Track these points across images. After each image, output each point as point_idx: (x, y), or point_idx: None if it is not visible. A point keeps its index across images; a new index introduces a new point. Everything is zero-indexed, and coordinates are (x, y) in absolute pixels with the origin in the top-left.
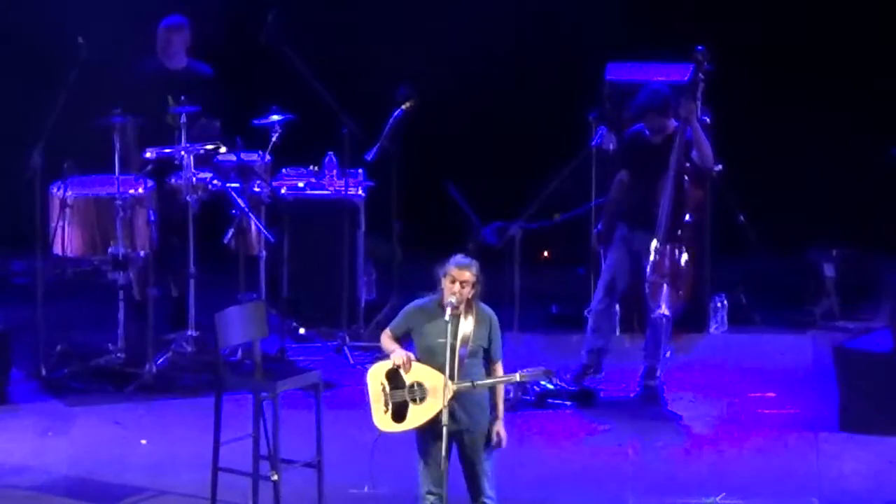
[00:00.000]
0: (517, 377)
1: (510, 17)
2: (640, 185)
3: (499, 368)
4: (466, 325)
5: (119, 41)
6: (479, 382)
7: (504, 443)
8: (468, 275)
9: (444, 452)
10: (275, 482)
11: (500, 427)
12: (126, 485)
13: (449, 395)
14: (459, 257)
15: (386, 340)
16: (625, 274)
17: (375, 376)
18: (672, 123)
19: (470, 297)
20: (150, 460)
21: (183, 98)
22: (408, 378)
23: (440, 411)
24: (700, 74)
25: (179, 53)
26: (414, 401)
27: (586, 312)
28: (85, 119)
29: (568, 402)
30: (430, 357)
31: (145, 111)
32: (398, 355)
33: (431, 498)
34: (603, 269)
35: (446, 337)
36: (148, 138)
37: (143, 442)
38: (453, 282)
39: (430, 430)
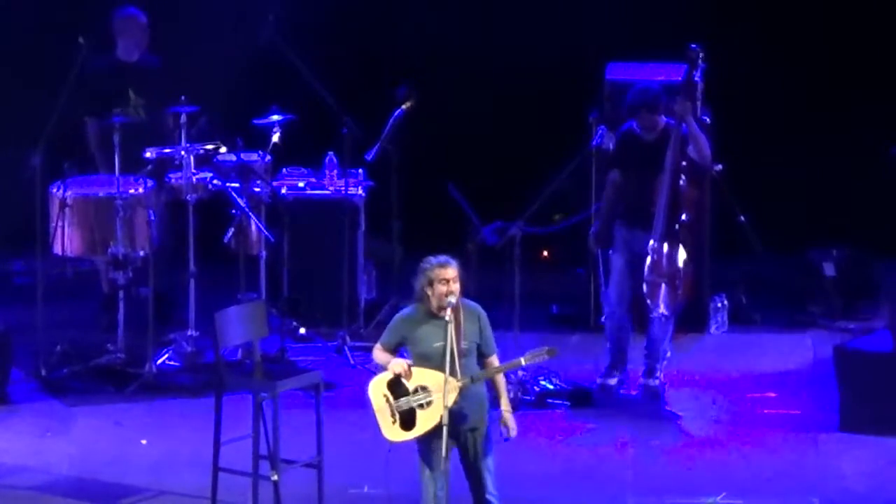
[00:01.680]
0: (522, 361)
1: (510, 17)
2: (633, 184)
3: (494, 362)
4: (457, 324)
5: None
6: (485, 372)
7: (514, 433)
8: (451, 270)
9: (444, 453)
10: (275, 482)
11: (508, 419)
12: (126, 485)
13: (453, 394)
14: (434, 258)
15: (379, 355)
16: (632, 274)
17: (377, 389)
18: (663, 120)
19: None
20: (150, 460)
21: (183, 98)
22: (410, 384)
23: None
24: (694, 72)
25: (135, 45)
26: (421, 406)
27: (602, 320)
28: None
29: (567, 402)
30: (426, 363)
31: (106, 109)
32: (396, 363)
33: (433, 500)
34: (611, 273)
35: (441, 340)
36: (110, 137)
37: (143, 442)
38: (444, 283)
39: (432, 433)
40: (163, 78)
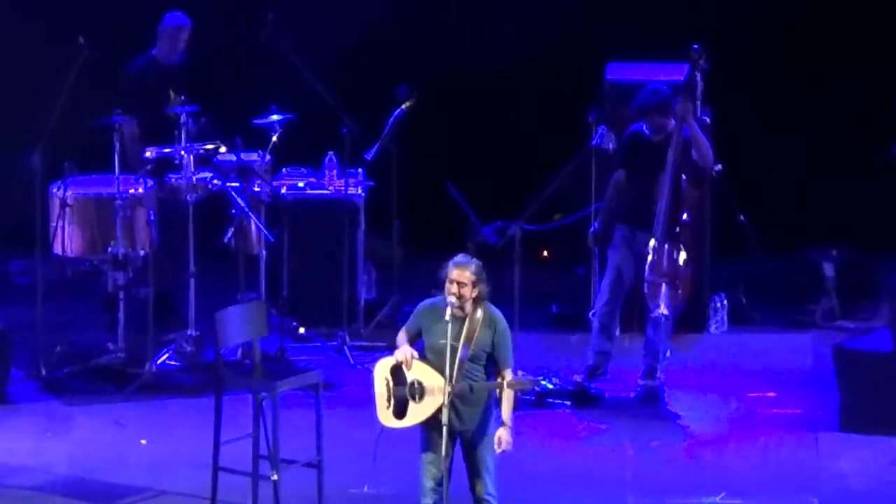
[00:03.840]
0: (504, 384)
1: (510, 17)
2: (638, 185)
3: (508, 375)
4: (469, 328)
5: (119, 41)
6: (475, 385)
7: (503, 447)
8: (467, 274)
9: (444, 452)
10: (275, 482)
11: (503, 433)
12: (126, 485)
13: (446, 396)
14: (459, 257)
15: (399, 337)
16: (629, 275)
17: (381, 371)
18: (672, 123)
19: (474, 297)
20: (150, 460)
21: (182, 98)
22: (409, 375)
23: (439, 410)
24: (696, 73)
25: (180, 50)
26: (413, 398)
27: (591, 315)
28: (85, 119)
29: (567, 402)
30: (435, 356)
31: (147, 109)
32: (401, 351)
33: (432, 494)
34: (606, 271)
35: (446, 338)
36: (152, 135)
37: (143, 442)
38: (452, 283)
39: (433, 427)
40: (194, 74)
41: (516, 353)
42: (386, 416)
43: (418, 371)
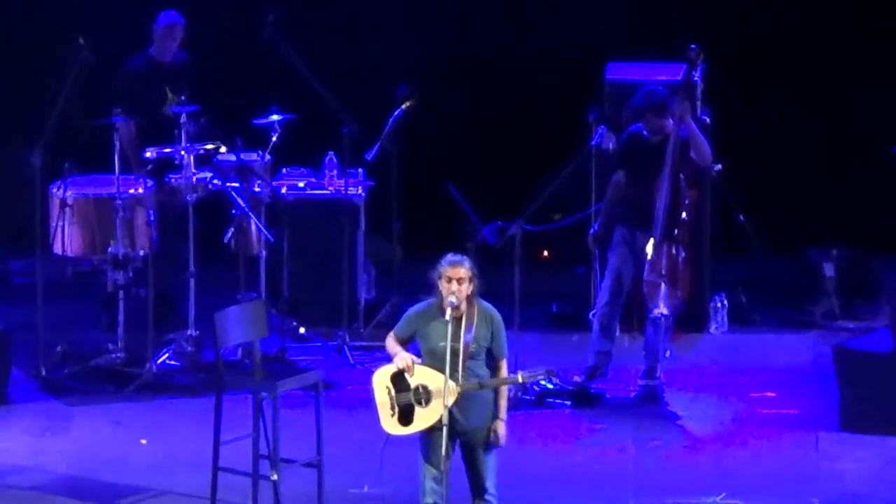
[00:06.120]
0: (519, 378)
1: (510, 16)
2: (637, 186)
3: (503, 366)
4: (468, 325)
5: (119, 41)
6: (485, 383)
7: (501, 442)
8: (463, 271)
9: (444, 452)
10: (275, 482)
11: (499, 426)
12: (126, 485)
13: (453, 396)
14: (451, 256)
15: (390, 343)
16: (629, 275)
17: (381, 380)
18: (670, 123)
19: (469, 293)
20: (150, 460)
21: (182, 97)
22: (412, 381)
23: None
24: (693, 73)
25: (174, 48)
26: (419, 403)
27: (591, 315)
28: (85, 119)
29: (567, 402)
30: (434, 360)
31: (144, 108)
32: (401, 358)
33: (433, 495)
34: (607, 271)
35: (446, 339)
36: (150, 135)
37: (143, 442)
38: (449, 281)
39: (432, 429)
40: (192, 73)
41: (517, 353)
42: (391, 425)
43: (421, 376)
